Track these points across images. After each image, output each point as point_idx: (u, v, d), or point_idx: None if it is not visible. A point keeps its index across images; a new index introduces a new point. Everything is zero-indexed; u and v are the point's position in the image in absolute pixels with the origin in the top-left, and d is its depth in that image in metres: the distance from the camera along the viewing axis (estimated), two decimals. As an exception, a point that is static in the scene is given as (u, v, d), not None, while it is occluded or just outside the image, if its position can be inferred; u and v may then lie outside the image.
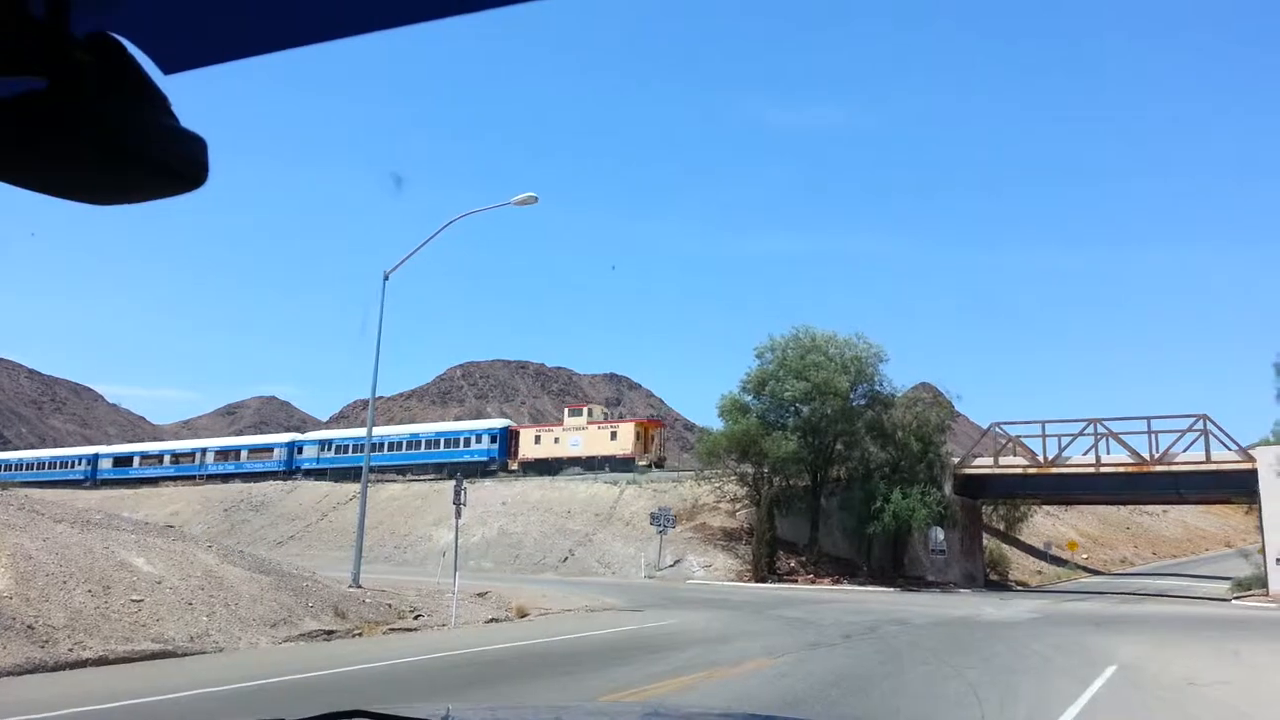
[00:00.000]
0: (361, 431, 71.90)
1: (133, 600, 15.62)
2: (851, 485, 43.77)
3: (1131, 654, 17.31)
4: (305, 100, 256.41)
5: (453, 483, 26.48)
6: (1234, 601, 37.29)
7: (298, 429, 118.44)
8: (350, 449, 65.25)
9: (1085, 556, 64.57)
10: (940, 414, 45.71)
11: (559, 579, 40.96)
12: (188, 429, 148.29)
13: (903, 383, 47.62)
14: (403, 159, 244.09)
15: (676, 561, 44.22)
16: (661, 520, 43.75)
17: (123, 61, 0.98)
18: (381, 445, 63.71)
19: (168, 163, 0.99)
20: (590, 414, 59.64)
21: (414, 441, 63.97)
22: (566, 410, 62.59)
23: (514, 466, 59.02)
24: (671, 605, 27.52)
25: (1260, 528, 39.88)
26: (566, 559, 46.98)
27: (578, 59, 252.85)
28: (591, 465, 55.70)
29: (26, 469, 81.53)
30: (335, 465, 65.60)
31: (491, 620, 21.80)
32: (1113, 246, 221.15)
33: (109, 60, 0.96)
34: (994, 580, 49.87)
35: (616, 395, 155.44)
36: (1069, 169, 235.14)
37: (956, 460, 44.73)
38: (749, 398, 45.83)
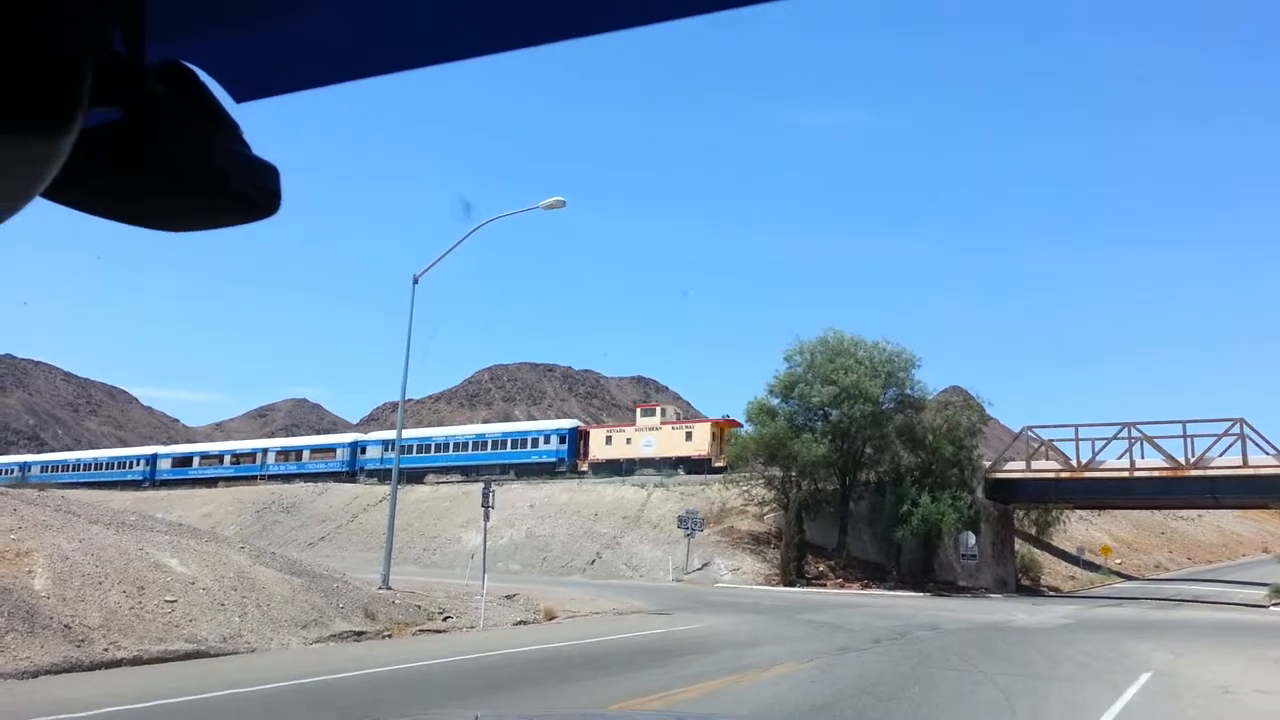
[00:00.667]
0: (424, 432, 71.48)
1: (166, 601, 15.81)
2: (881, 489, 43.49)
3: (1166, 661, 17.06)
4: (332, 105, 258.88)
5: (480, 485, 26.63)
6: (1272, 608, 36.63)
7: (328, 431, 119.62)
8: (415, 449, 64.13)
9: (1119, 562, 63.70)
10: (971, 418, 45.29)
11: (586, 581, 40.99)
12: (220, 431, 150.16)
13: (934, 386, 47.37)
14: (433, 164, 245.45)
15: (704, 565, 44.12)
16: (689, 523, 43.66)
17: (196, 91, 0.99)
18: (446, 446, 63.16)
19: (241, 191, 1.00)
20: (664, 414, 57.64)
21: (480, 442, 62.55)
22: (639, 410, 60.79)
23: (584, 468, 57.70)
24: (699, 608, 27.45)
25: (1300, 533, 39.18)
26: (594, 561, 47.01)
27: (607, 64, 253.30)
28: (664, 466, 54.27)
29: (84, 469, 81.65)
30: (402, 466, 64.44)
31: (520, 622, 21.85)
32: (1149, 248, 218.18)
33: (182, 90, 0.97)
34: (1026, 585, 49.31)
35: (644, 397, 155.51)
36: (1109, 171, 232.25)
37: (988, 464, 44.29)
38: (776, 401, 45.66)
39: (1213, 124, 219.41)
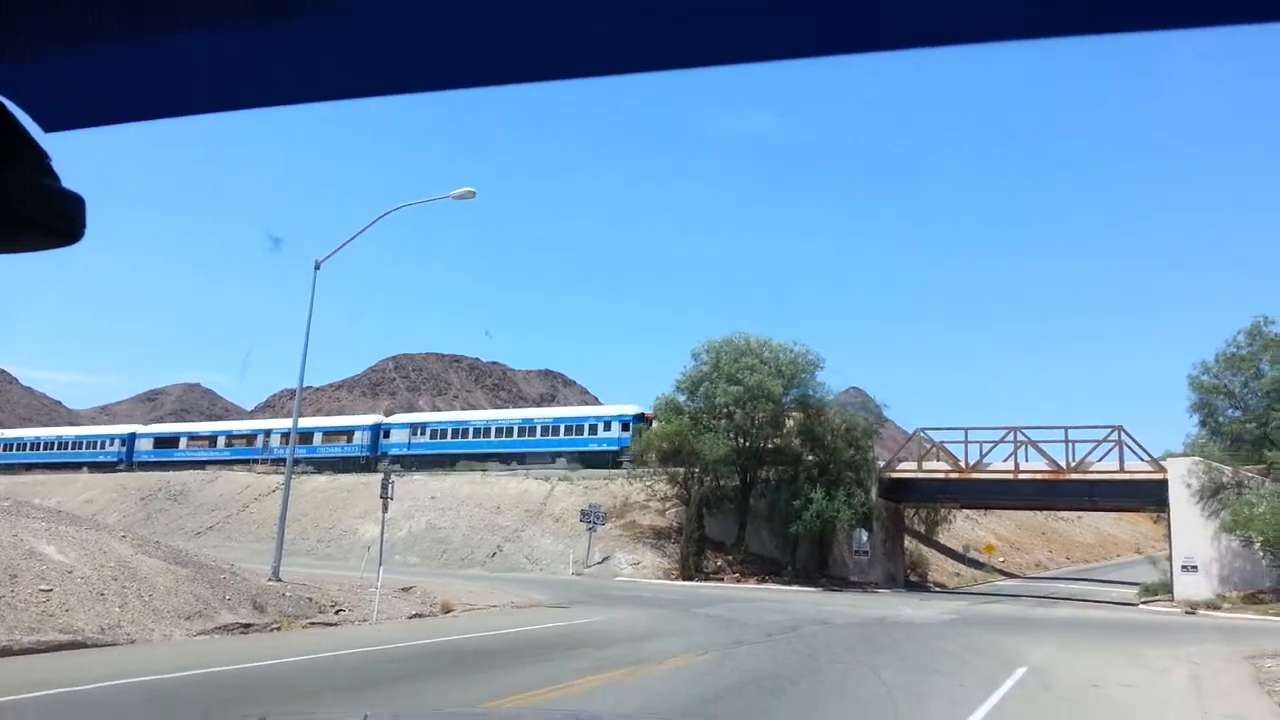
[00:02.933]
0: (459, 415, 66.46)
1: (41, 590, 15.12)
2: (780, 486, 44.32)
3: (1041, 656, 17.86)
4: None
5: (379, 476, 26.19)
6: (1141, 606, 38.67)
7: (220, 418, 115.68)
8: (449, 434, 60.08)
9: (1002, 560, 66.37)
10: (869, 419, 46.54)
11: (486, 575, 40.71)
12: (105, 415, 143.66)
13: (835, 387, 48.28)
14: (348, 146, 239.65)
15: (605, 559, 44.29)
16: (592, 517, 43.79)
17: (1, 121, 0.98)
18: (488, 431, 59.47)
19: (43, 221, 1.00)
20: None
21: (528, 428, 58.57)
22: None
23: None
24: (598, 602, 27.56)
25: (1168, 536, 41.47)
26: (494, 554, 46.70)
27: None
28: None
29: (46, 448, 75.42)
30: (430, 452, 59.89)
31: (415, 616, 21.58)
32: (1041, 260, 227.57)
33: None
34: (914, 581, 50.97)
35: (551, 390, 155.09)
36: (1006, 185, 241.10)
37: (883, 464, 45.59)
38: (683, 398, 46.14)
39: (1108, 144, 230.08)
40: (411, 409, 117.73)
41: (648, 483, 46.78)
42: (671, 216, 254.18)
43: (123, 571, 17.31)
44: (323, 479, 59.58)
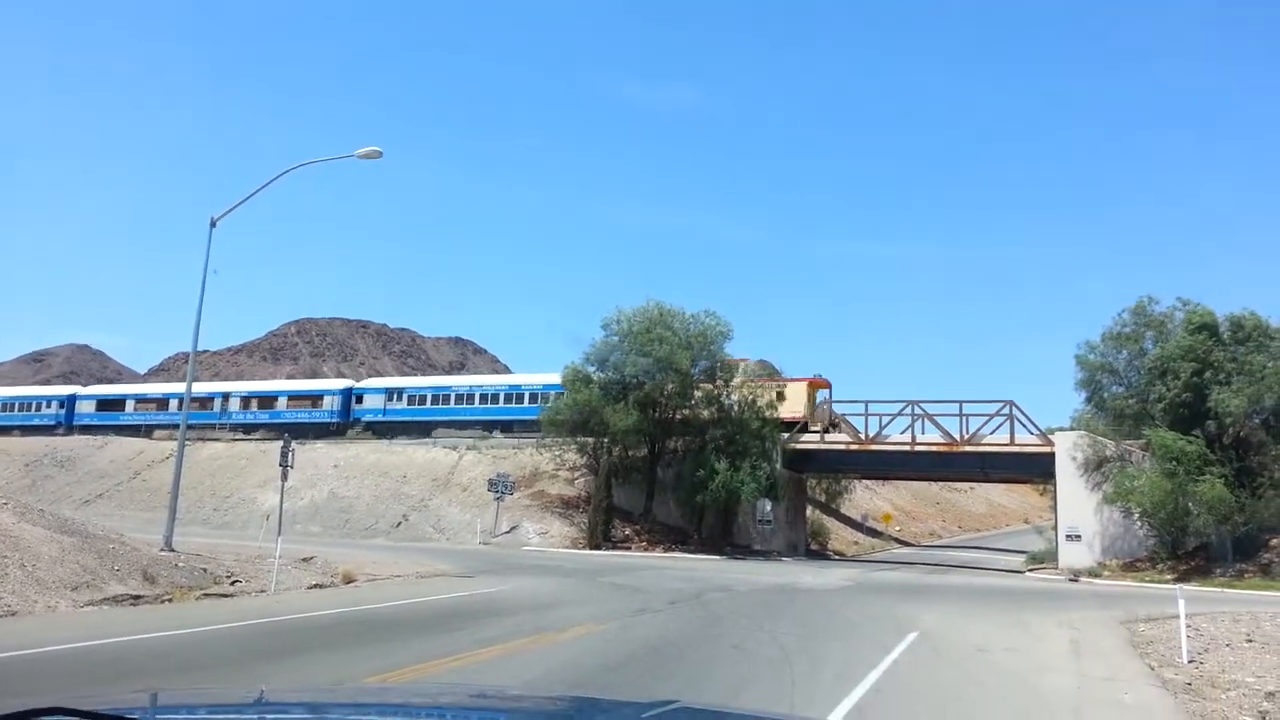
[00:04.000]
0: (438, 380, 62.76)
1: (-92, 561, 14.32)
2: (687, 457, 44.86)
3: (932, 622, 18.56)
4: (103, 34, 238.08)
5: (278, 444, 25.57)
6: (1028, 574, 40.49)
7: (111, 381, 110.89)
8: (428, 400, 57.16)
9: (898, 529, 68.64)
10: (774, 391, 47.35)
11: (391, 545, 40.24)
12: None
13: (743, 360, 48.95)
14: (238, 102, 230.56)
15: (513, 528, 44.23)
16: (500, 487, 43.62)
17: None
18: (470, 397, 56.31)
19: None
20: (746, 370, 49.57)
21: (515, 394, 55.34)
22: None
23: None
24: (505, 572, 27.53)
25: (1054, 507, 43.46)
26: (400, 524, 46.17)
27: (437, 18, 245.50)
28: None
29: None
30: (407, 419, 57.16)
31: (315, 586, 21.19)
32: (949, 243, 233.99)
33: None
34: (815, 550, 52.35)
35: (461, 358, 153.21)
36: (908, 163, 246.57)
37: (786, 435, 46.49)
38: (592, 368, 46.14)
39: (999, 122, 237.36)
40: (315, 375, 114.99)
41: (556, 452, 46.82)
42: (591, 185, 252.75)
43: (3, 540, 16.53)
44: (220, 445, 57.85)
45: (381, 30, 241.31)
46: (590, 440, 45.68)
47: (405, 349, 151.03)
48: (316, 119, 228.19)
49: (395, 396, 59.09)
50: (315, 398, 61.61)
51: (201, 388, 70.19)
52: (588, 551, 40.79)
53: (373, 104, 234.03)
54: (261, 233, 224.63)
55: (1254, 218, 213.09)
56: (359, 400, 59.94)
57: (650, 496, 45.98)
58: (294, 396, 62.75)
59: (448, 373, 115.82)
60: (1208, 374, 35.81)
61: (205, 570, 20.64)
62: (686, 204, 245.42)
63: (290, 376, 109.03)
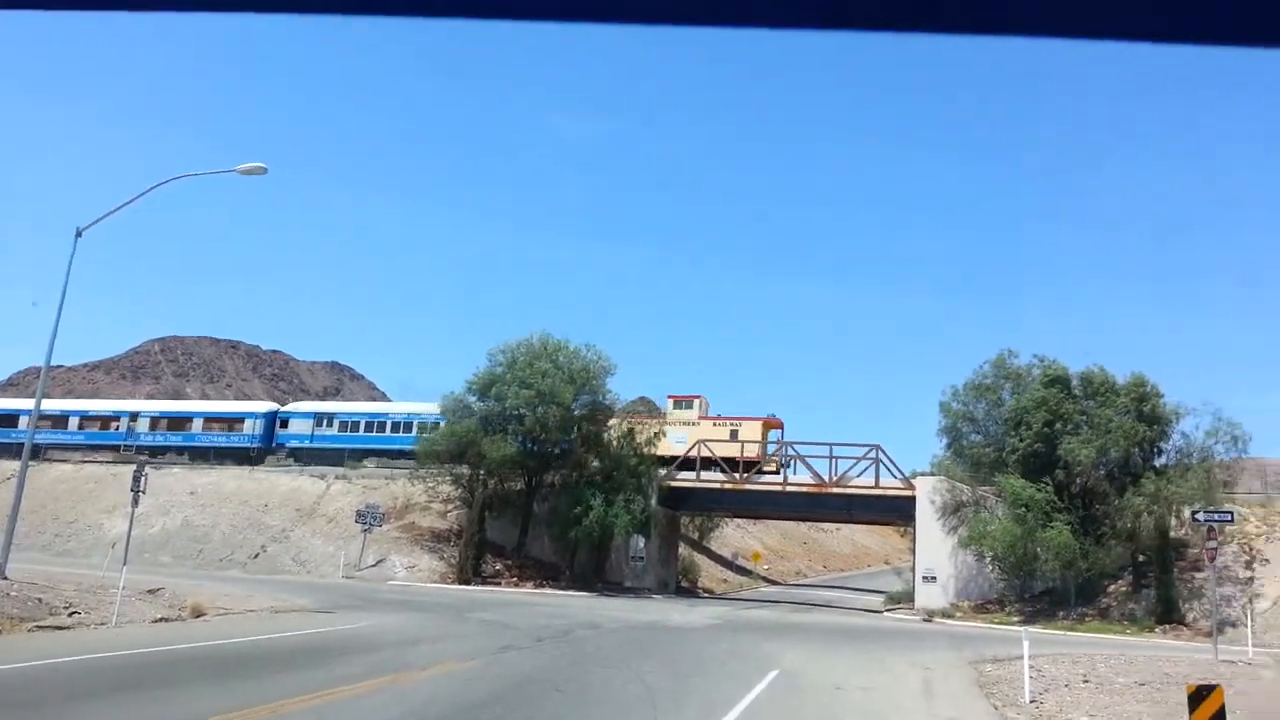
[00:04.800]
0: (375, 407, 58.74)
1: None
2: (564, 491, 44.65)
3: (794, 660, 18.96)
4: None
5: (132, 467, 24.25)
6: (886, 614, 41.83)
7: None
8: (360, 427, 53.72)
9: (767, 567, 69.89)
10: (653, 428, 47.75)
11: (247, 576, 38.55)
12: None
13: (625, 395, 49.27)
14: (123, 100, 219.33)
15: (379, 561, 42.97)
16: (368, 518, 42.36)
17: None
18: (409, 425, 52.30)
19: None
20: (703, 407, 49.88)
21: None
22: (670, 401, 51.21)
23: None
24: (368, 607, 26.71)
25: (913, 549, 45.10)
26: (258, 555, 44.27)
27: (327, 33, 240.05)
28: (704, 468, 47.07)
29: None
30: (337, 446, 53.59)
31: (161, 619, 20.08)
32: (828, 283, 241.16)
33: None
34: (685, 587, 52.74)
35: (337, 384, 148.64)
36: (802, 202, 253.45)
37: (664, 473, 46.88)
38: (474, 398, 45.55)
39: (878, 165, 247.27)
40: (178, 396, 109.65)
41: (431, 483, 45.79)
42: (481, 211, 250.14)
43: None
44: (68, 467, 54.37)
45: (268, 44, 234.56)
46: (466, 471, 44.97)
47: (277, 372, 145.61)
48: (194, 132, 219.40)
49: (324, 422, 56.43)
50: (235, 420, 58.27)
51: (104, 405, 66.18)
52: (457, 586, 39.98)
53: (250, 119, 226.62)
54: (132, 246, 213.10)
55: (1100, 281, 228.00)
56: (284, 424, 56.83)
57: (525, 531, 45.51)
58: (211, 419, 59.26)
59: (321, 398, 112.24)
60: (1058, 425, 37.99)
61: (40, 600, 19.30)
62: (573, 234, 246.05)
63: (150, 396, 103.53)
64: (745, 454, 47.15)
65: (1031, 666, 16.23)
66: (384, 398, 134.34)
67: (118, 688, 11.50)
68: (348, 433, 54.92)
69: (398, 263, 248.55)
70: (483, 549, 43.31)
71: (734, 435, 47.91)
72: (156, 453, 56.36)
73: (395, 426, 54.44)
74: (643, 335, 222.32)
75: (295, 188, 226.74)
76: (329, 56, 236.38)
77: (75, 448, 58.13)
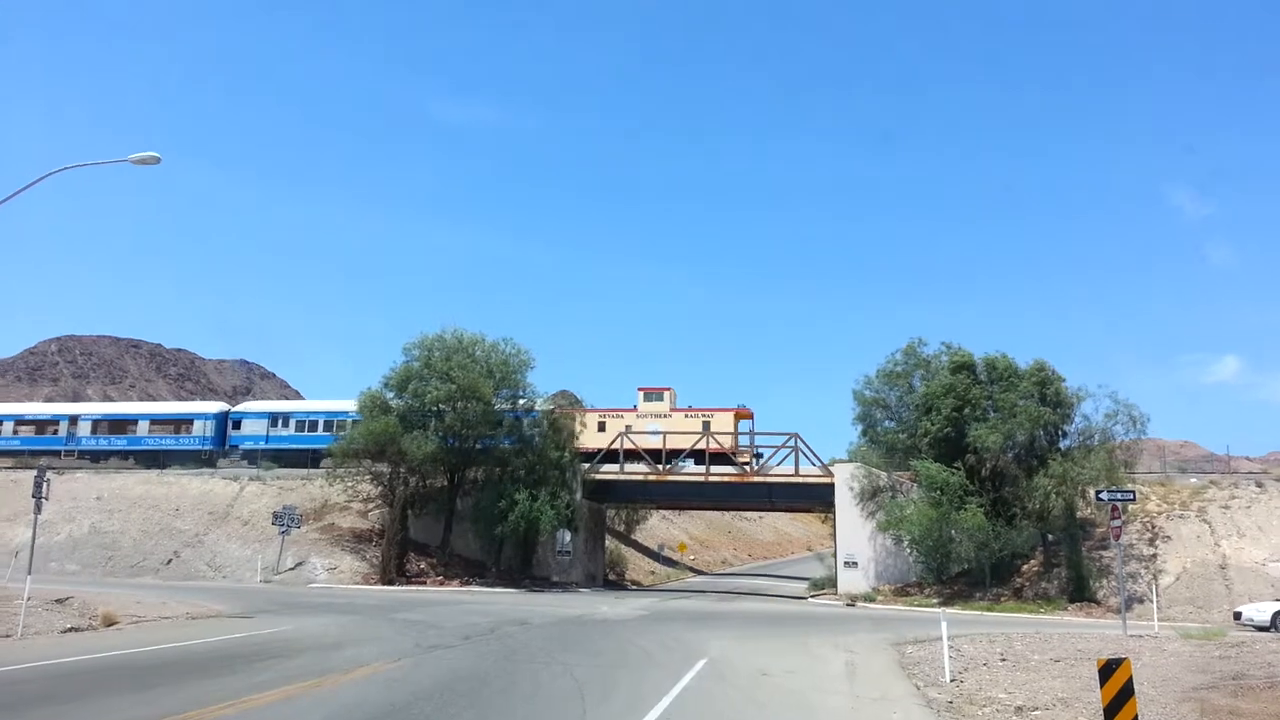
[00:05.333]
0: (336, 405, 53.47)
1: None
2: (487, 486, 44.26)
3: (720, 648, 19.18)
4: None
5: (51, 473, 23.20)
6: (810, 599, 42.60)
7: None
8: (319, 426, 51.45)
9: (693, 557, 70.55)
10: (575, 421, 47.67)
11: (160, 583, 37.33)
12: None
13: (546, 389, 48.96)
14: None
15: (299, 564, 42.01)
16: (285, 520, 41.35)
17: None
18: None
19: None
20: (674, 399, 49.66)
21: None
22: (641, 393, 50.39)
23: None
24: (288, 610, 26.08)
25: (834, 535, 46.00)
26: (170, 561, 42.86)
27: (238, 21, 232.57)
28: (673, 459, 46.86)
29: None
30: (294, 446, 51.68)
31: (71, 630, 19.30)
32: (736, 280, 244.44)
33: None
34: (612, 580, 52.88)
35: (247, 382, 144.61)
36: (706, 193, 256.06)
37: (587, 466, 46.86)
38: (391, 395, 44.83)
39: (791, 160, 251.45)
40: (77, 397, 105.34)
41: (349, 483, 44.85)
42: (392, 202, 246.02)
43: None
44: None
45: (177, 29, 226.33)
46: (386, 470, 44.22)
47: (183, 371, 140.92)
48: (89, 120, 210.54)
49: (280, 422, 54.52)
50: (183, 422, 56.07)
51: (38, 409, 63.48)
52: (380, 587, 39.34)
53: (151, 106, 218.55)
54: (22, 241, 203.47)
55: (1010, 269, 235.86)
56: (236, 426, 55.03)
57: (448, 528, 45.01)
58: (158, 421, 56.81)
59: (231, 397, 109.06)
60: (966, 410, 39.16)
61: (-65, 616, 18.37)
62: (491, 227, 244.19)
63: (49, 398, 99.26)
64: (715, 445, 46.87)
65: (951, 646, 16.73)
66: (296, 396, 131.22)
67: (25, 702, 10.98)
68: (305, 432, 53.20)
69: (300, 256, 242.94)
70: (406, 548, 42.71)
71: (706, 426, 47.85)
72: (100, 457, 54.63)
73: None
74: (554, 330, 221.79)
75: (195, 179, 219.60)
76: (239, 44, 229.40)
77: (11, 454, 55.69)
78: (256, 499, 47.07)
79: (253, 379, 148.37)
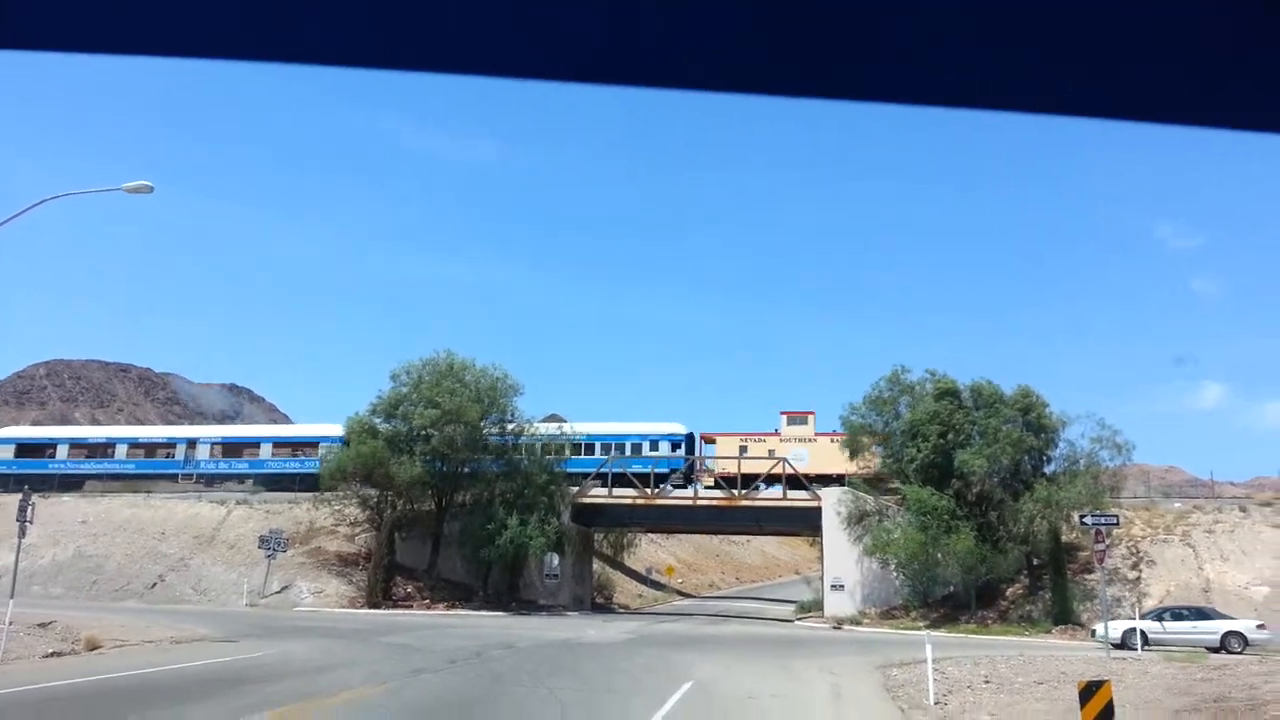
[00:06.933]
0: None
1: None
2: (474, 510, 44.16)
3: (707, 671, 19.19)
4: None
5: (33, 494, 23.10)
6: (797, 622, 42.53)
7: None
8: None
9: (680, 581, 70.33)
10: (565, 445, 47.67)
11: (145, 607, 37.03)
12: None
13: (534, 413, 48.94)
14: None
15: (285, 588, 41.76)
16: (272, 544, 41.15)
17: None
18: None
19: None
20: (814, 423, 48.27)
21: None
22: (785, 418, 49.32)
23: (708, 483, 47.83)
24: (273, 635, 25.97)
25: (821, 558, 45.99)
26: (155, 585, 42.57)
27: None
28: (821, 484, 45.10)
29: None
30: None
31: (53, 654, 19.19)
32: (737, 300, 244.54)
33: None
34: (600, 603, 52.67)
35: (236, 407, 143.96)
36: (665, 223, 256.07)
37: (576, 489, 46.84)
38: (379, 420, 44.80)
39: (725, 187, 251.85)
40: (65, 421, 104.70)
41: (336, 507, 44.66)
42: (381, 232, 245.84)
43: None
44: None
45: (157, 60, 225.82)
46: (374, 493, 44.11)
47: (171, 396, 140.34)
48: (78, 151, 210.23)
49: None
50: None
51: (157, 431, 63.03)
52: (366, 611, 39.14)
53: (139, 137, 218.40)
54: (13, 267, 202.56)
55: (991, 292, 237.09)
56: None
57: (435, 551, 44.84)
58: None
59: (220, 422, 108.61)
60: (951, 435, 39.39)
61: (-85, 641, 18.25)
62: (477, 256, 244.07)
63: (36, 422, 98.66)
64: (863, 469, 44.55)
65: (935, 669, 16.80)
66: (285, 420, 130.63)
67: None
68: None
69: (293, 282, 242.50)
70: (392, 571, 42.53)
71: (854, 454, 44.67)
72: (215, 481, 53.10)
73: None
74: (539, 352, 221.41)
75: (185, 208, 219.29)
76: (222, 72, 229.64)
77: (126, 479, 53.18)
78: (243, 523, 46.83)
79: (242, 403, 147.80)
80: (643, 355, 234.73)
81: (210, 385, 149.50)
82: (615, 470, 47.36)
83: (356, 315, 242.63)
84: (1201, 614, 29.76)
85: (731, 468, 46.98)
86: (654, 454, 48.52)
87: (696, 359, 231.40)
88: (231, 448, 55.70)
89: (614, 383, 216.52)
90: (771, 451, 47.28)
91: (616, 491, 47.09)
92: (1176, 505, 42.45)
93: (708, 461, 49.62)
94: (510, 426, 46.37)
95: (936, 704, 15.05)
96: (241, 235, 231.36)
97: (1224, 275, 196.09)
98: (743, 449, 48.10)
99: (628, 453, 48.64)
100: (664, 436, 49.18)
